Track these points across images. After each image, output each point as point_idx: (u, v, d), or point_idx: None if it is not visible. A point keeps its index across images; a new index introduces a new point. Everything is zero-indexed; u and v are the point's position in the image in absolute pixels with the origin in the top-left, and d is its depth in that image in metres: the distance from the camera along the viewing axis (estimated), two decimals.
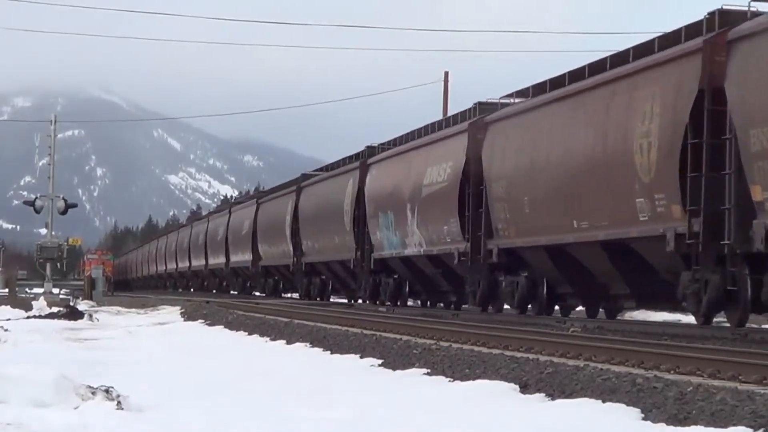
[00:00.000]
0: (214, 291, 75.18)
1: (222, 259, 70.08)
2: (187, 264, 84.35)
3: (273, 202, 58.11)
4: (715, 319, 22.70)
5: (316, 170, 53.39)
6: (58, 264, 54.53)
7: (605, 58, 25.01)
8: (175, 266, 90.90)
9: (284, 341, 20.72)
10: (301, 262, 50.11)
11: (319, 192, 47.89)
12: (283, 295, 58.62)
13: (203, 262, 77.13)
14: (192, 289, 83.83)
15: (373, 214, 39.38)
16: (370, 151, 42.47)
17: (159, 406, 10.83)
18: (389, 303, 38.53)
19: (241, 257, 64.38)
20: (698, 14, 22.02)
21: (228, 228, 68.96)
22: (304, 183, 51.30)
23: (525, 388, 11.71)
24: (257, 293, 64.69)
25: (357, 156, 44.20)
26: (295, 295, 55.80)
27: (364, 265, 40.70)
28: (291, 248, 51.40)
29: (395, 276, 38.64)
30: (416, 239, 34.99)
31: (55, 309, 34.95)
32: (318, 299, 48.39)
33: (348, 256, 42.07)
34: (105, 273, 73.93)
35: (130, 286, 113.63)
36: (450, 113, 42.76)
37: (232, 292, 71.19)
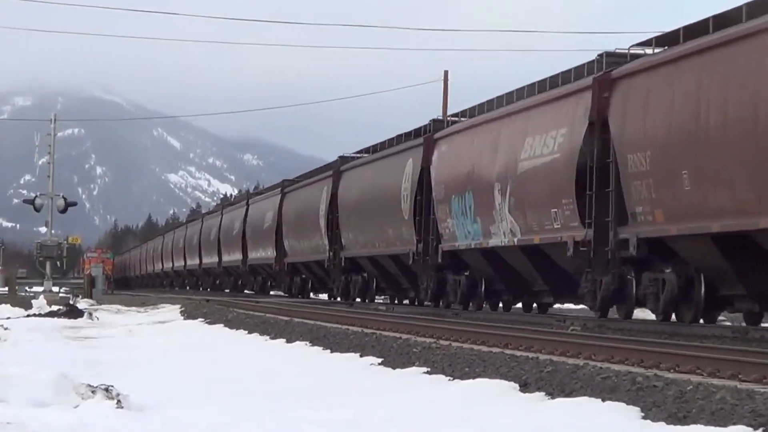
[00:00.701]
0: (227, 290, 71.69)
1: (238, 256, 65.38)
2: (197, 261, 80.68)
3: (303, 190, 52.71)
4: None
5: (358, 152, 46.90)
6: (58, 262, 54.47)
7: None
8: (183, 263, 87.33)
9: (284, 340, 20.72)
10: (340, 258, 43.71)
11: (365, 176, 41.99)
12: (312, 295, 53.44)
13: (216, 258, 72.92)
14: (201, 288, 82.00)
15: (443, 198, 32.94)
16: (437, 125, 36.07)
17: (159, 405, 10.83)
18: (460, 306, 32.36)
19: (262, 253, 59.41)
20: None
21: (245, 222, 64.32)
22: (345, 167, 44.98)
23: (525, 387, 11.71)
24: (280, 293, 59.37)
25: (418, 132, 37.47)
26: (326, 296, 51.64)
27: (428, 260, 34.18)
28: (326, 242, 45.31)
29: (466, 273, 32.36)
30: (506, 226, 28.64)
31: (54, 307, 34.97)
32: (358, 300, 42.87)
33: (404, 250, 35.99)
34: (105, 271, 73.95)
35: (132, 285, 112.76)
36: (450, 112, 42.47)
37: (247, 291, 67.70)
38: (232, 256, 67.08)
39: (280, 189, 57.59)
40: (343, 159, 46.45)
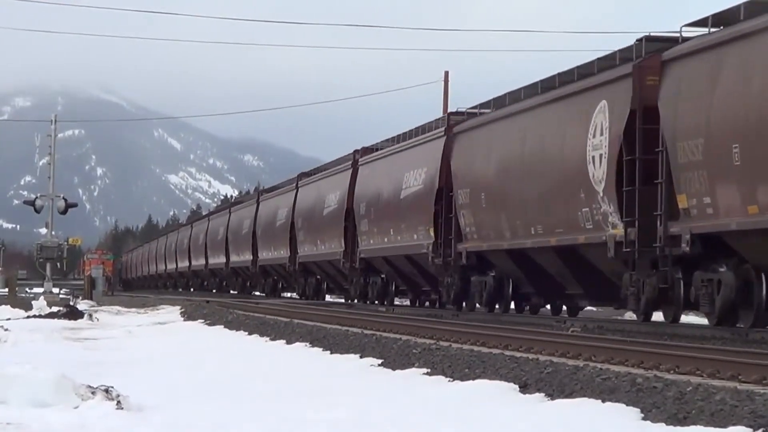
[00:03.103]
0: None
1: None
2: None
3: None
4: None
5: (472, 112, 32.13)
6: (58, 264, 54.42)
7: None
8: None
9: (284, 341, 20.72)
10: (460, 251, 30.56)
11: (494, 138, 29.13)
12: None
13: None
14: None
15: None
16: (649, 45, 22.79)
17: (159, 406, 10.84)
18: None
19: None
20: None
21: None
22: (453, 135, 30.19)
23: (525, 388, 11.71)
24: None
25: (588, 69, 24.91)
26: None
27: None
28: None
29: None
30: None
31: (55, 309, 34.95)
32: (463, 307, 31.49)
33: (596, 237, 23.62)
34: (105, 273, 74.01)
35: (132, 286, 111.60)
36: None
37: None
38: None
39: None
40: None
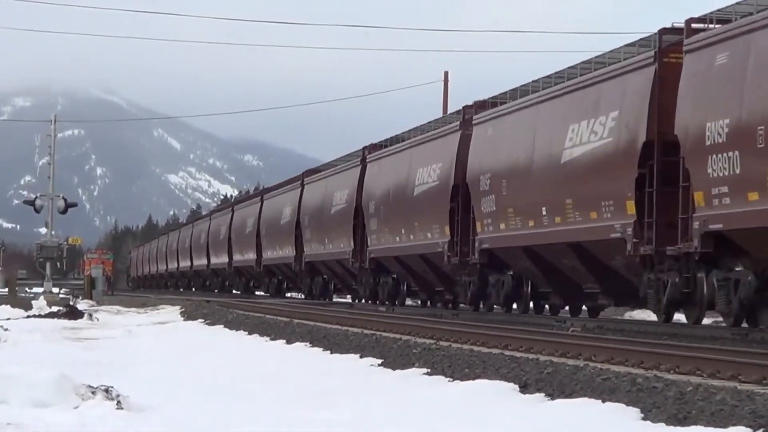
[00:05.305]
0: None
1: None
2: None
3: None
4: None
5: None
6: (58, 263, 54.42)
7: None
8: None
9: (284, 341, 20.71)
10: None
11: None
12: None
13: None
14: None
15: None
16: None
17: (159, 406, 10.83)
18: None
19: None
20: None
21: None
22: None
23: (525, 388, 11.71)
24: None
25: None
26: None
27: None
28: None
29: None
30: None
31: (54, 308, 34.91)
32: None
33: None
34: (105, 272, 74.07)
35: (149, 285, 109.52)
36: (450, 112, 42.39)
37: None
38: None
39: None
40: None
